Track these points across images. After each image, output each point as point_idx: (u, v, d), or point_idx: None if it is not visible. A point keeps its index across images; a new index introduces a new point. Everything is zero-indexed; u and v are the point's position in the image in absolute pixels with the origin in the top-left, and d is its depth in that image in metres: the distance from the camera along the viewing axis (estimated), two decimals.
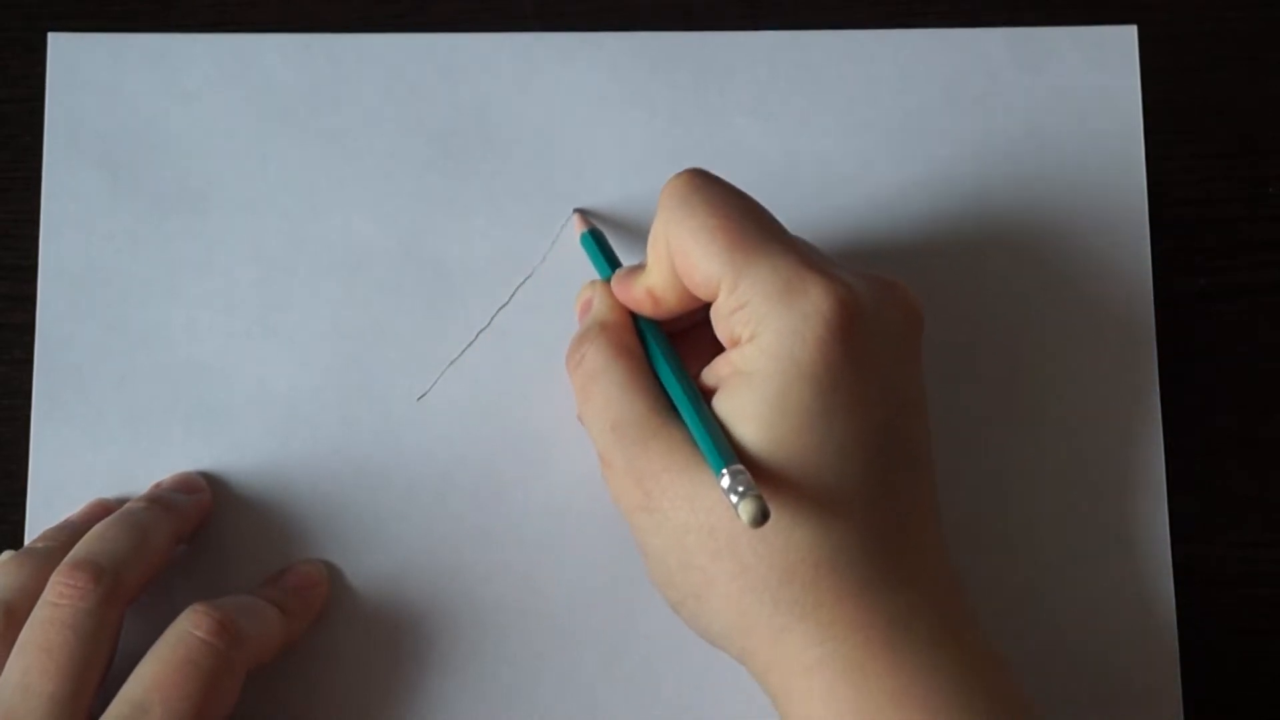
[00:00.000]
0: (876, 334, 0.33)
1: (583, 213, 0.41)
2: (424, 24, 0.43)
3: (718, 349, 0.35)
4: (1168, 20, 0.43)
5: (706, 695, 0.39)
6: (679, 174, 0.35)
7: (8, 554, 0.37)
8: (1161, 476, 0.40)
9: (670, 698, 0.39)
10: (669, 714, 0.39)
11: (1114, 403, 0.40)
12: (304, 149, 0.42)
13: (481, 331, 0.41)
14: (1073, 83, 0.42)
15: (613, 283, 0.37)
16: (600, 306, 0.37)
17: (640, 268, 0.36)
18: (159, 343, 0.41)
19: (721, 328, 0.34)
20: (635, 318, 0.37)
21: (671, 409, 0.34)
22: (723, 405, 0.33)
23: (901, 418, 0.33)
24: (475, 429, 0.40)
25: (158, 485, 0.39)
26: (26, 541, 0.39)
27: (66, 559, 0.35)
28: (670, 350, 0.36)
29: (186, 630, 0.35)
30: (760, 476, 0.32)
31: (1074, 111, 0.42)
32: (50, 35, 0.42)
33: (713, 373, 0.34)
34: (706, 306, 0.35)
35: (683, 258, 0.34)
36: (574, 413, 0.40)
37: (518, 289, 0.41)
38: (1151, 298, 0.41)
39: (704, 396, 0.34)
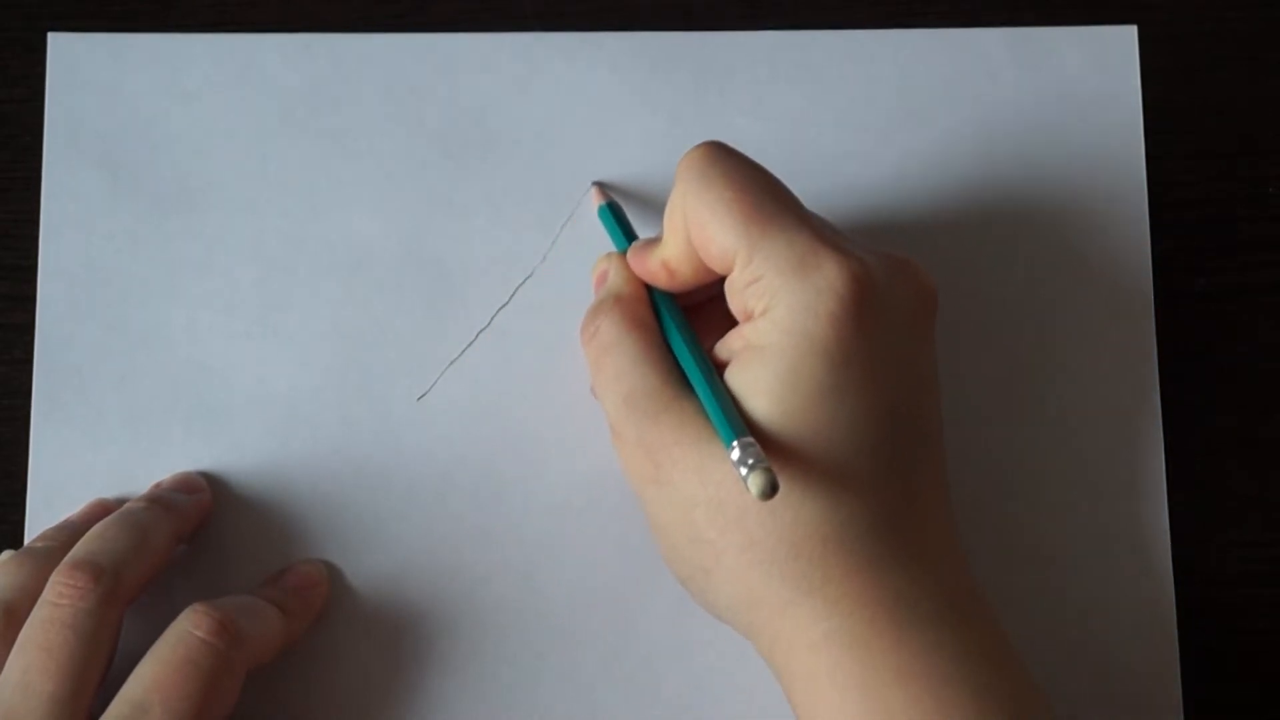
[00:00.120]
0: (889, 311, 0.33)
1: (601, 185, 0.41)
2: (424, 24, 0.43)
3: (731, 324, 0.35)
4: (1168, 20, 0.43)
5: (706, 695, 0.39)
6: (697, 146, 0.35)
7: (8, 554, 0.37)
8: (1161, 476, 0.40)
9: (670, 698, 0.39)
10: (669, 714, 0.39)
11: (1114, 403, 0.40)
12: (304, 149, 0.42)
13: (481, 331, 0.41)
14: (1073, 83, 0.42)
15: (629, 255, 0.37)
16: (615, 279, 0.37)
17: (656, 240, 0.36)
18: (159, 343, 0.41)
19: (735, 301, 0.34)
20: (650, 291, 0.37)
21: (684, 383, 0.34)
22: (735, 378, 0.33)
23: (913, 395, 0.33)
24: (475, 429, 0.40)
25: (158, 485, 0.39)
26: (26, 541, 0.39)
27: (66, 559, 0.35)
28: (684, 323, 0.36)
29: (186, 630, 0.34)
30: (770, 450, 0.32)
31: (1074, 111, 0.42)
32: (50, 35, 0.42)
33: (725, 346, 0.34)
34: (721, 281, 0.35)
35: (699, 230, 0.34)
36: (574, 412, 0.40)
37: (518, 289, 0.41)
38: (1151, 298, 0.41)
39: (716, 370, 0.34)
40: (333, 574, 0.39)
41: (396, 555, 0.39)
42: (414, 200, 0.41)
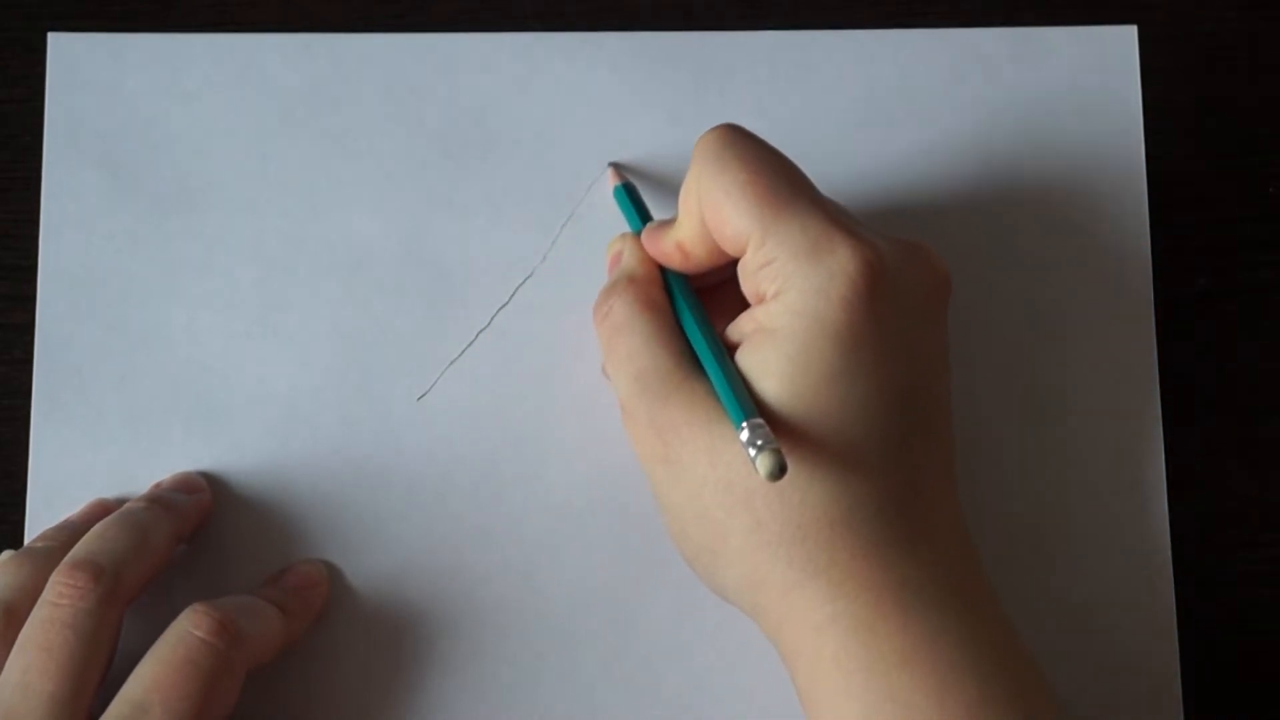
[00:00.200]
0: (901, 296, 0.33)
1: (617, 166, 0.41)
2: (424, 24, 0.43)
3: (744, 307, 0.35)
4: (1168, 20, 0.43)
5: (706, 695, 0.39)
6: (713, 129, 0.35)
7: (8, 554, 0.37)
8: (1161, 476, 0.40)
9: (670, 698, 0.39)
10: (669, 714, 0.39)
11: (1114, 403, 0.40)
12: (304, 149, 0.42)
13: (481, 331, 0.41)
14: (1073, 83, 0.42)
15: (643, 236, 0.37)
16: (629, 260, 0.37)
17: (671, 222, 0.36)
18: (159, 343, 0.41)
19: (748, 284, 0.34)
20: (664, 272, 0.37)
21: (695, 364, 0.35)
22: (746, 360, 0.33)
23: (923, 380, 0.33)
24: (475, 429, 0.40)
25: (158, 485, 0.39)
26: (26, 541, 0.39)
27: (66, 558, 0.35)
28: (697, 305, 0.36)
29: (186, 630, 0.34)
30: (780, 431, 0.32)
31: (1074, 111, 0.42)
32: (50, 35, 0.42)
33: (737, 329, 0.34)
34: (734, 263, 0.35)
35: (713, 212, 0.34)
36: (574, 413, 0.40)
37: (518, 289, 0.41)
38: (1151, 298, 0.41)
39: (728, 352, 0.34)
40: (333, 574, 0.39)
41: (396, 555, 0.39)
42: (414, 200, 0.41)
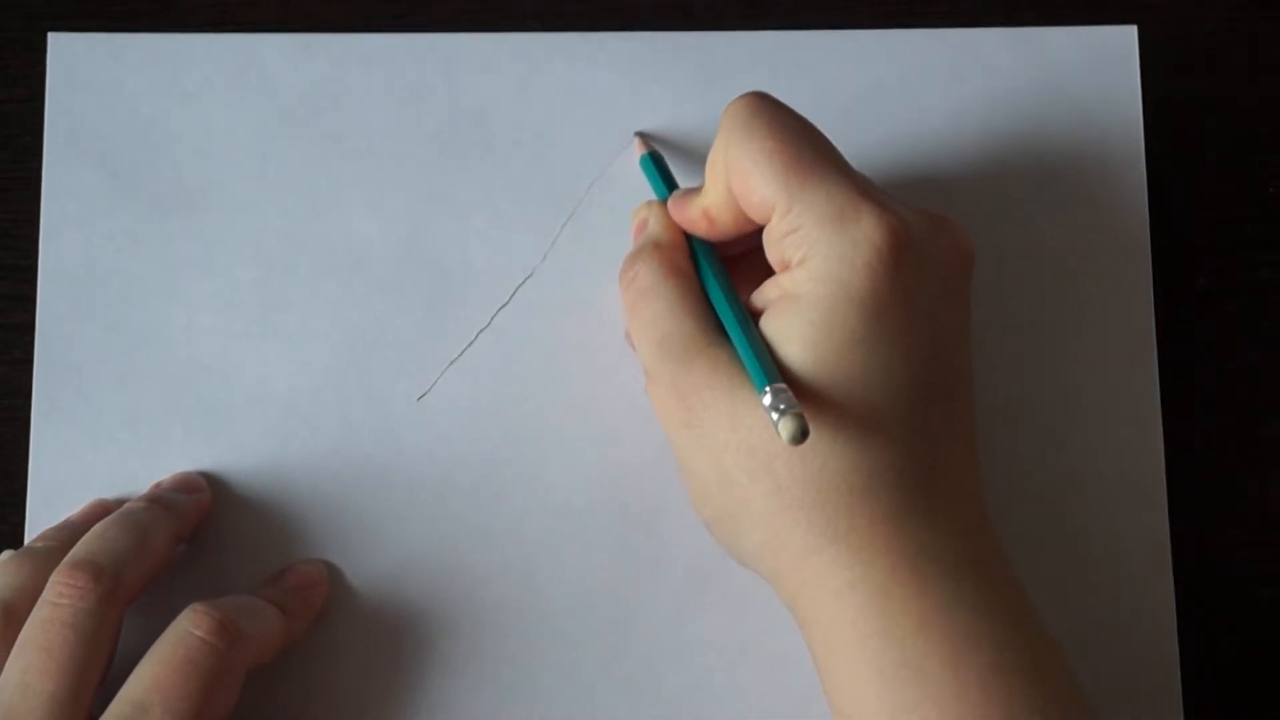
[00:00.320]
0: (925, 266, 0.33)
1: (643, 135, 0.41)
2: (424, 24, 0.43)
3: (768, 275, 0.35)
4: (1168, 20, 0.43)
5: (706, 695, 0.39)
6: (741, 96, 0.35)
7: (8, 554, 0.37)
8: (1161, 476, 0.40)
9: (670, 698, 0.39)
10: (669, 714, 0.39)
11: (1114, 403, 0.40)
12: (304, 149, 0.42)
13: (481, 331, 0.41)
14: (1073, 83, 0.42)
15: (669, 203, 0.38)
16: (655, 226, 0.37)
17: (697, 190, 0.37)
18: (159, 343, 0.41)
19: (773, 251, 0.34)
20: (689, 239, 0.37)
21: (719, 330, 0.35)
22: (769, 325, 0.33)
23: (945, 350, 0.34)
24: (475, 429, 0.40)
25: (158, 485, 0.39)
26: (26, 541, 0.39)
27: (66, 558, 0.35)
28: (722, 272, 0.36)
29: (186, 630, 0.34)
30: (802, 396, 0.32)
31: (1074, 111, 0.42)
32: (50, 35, 0.42)
33: (761, 295, 0.35)
34: (759, 232, 0.35)
35: (740, 179, 0.34)
36: (574, 412, 0.40)
37: (518, 289, 0.41)
38: (1151, 298, 0.41)
39: (752, 319, 0.34)
40: (333, 574, 0.39)
41: (396, 555, 0.39)
42: (414, 200, 0.41)
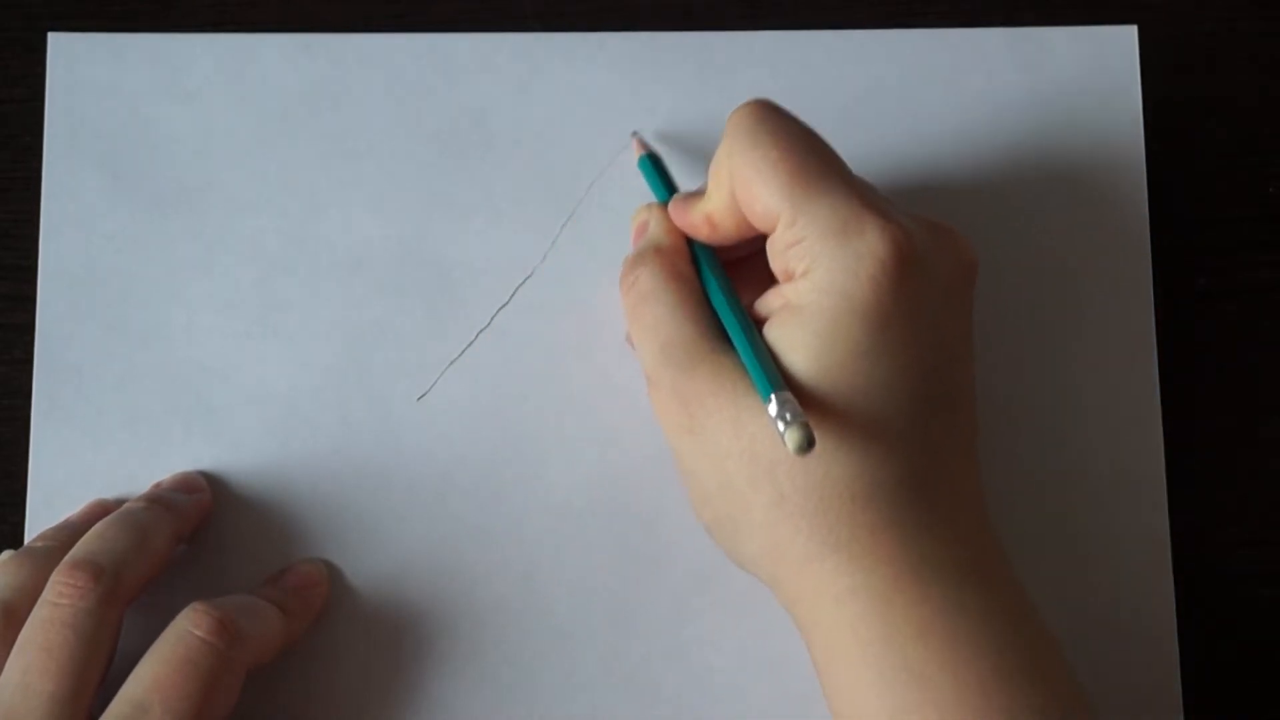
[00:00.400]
0: (929, 279, 0.33)
1: (640, 137, 0.41)
2: (424, 24, 0.43)
3: (770, 282, 0.35)
4: (1168, 20, 0.43)
5: (706, 695, 0.39)
6: (746, 103, 0.35)
7: (8, 554, 0.37)
8: (1161, 476, 0.40)
9: (670, 698, 0.39)
10: (669, 714, 0.39)
11: (1114, 403, 0.40)
12: (304, 149, 0.42)
13: (481, 331, 0.41)
14: (1073, 83, 0.42)
15: (670, 207, 0.37)
16: (656, 230, 0.37)
17: (699, 193, 0.36)
18: (159, 343, 0.41)
19: (777, 261, 0.34)
20: (690, 243, 0.37)
21: (721, 336, 0.35)
22: (773, 334, 0.33)
23: (947, 362, 0.34)
24: (475, 429, 0.40)
25: (157, 485, 0.39)
26: (26, 541, 0.39)
27: (66, 558, 0.35)
28: (724, 277, 0.36)
29: (186, 629, 0.34)
30: (806, 406, 0.32)
31: (1074, 111, 0.42)
32: (50, 35, 0.42)
33: (764, 304, 0.34)
34: (762, 238, 0.35)
35: (744, 187, 0.34)
36: (574, 412, 0.40)
37: (518, 289, 0.41)
38: (1151, 298, 0.41)
39: (755, 326, 0.34)
40: (333, 574, 0.39)
41: (396, 555, 0.39)
42: (414, 200, 0.41)
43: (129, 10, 0.43)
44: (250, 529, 0.40)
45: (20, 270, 0.42)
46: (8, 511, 0.40)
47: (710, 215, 0.36)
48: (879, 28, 0.43)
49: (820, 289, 0.32)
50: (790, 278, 0.34)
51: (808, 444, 0.30)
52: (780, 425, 0.31)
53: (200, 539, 0.39)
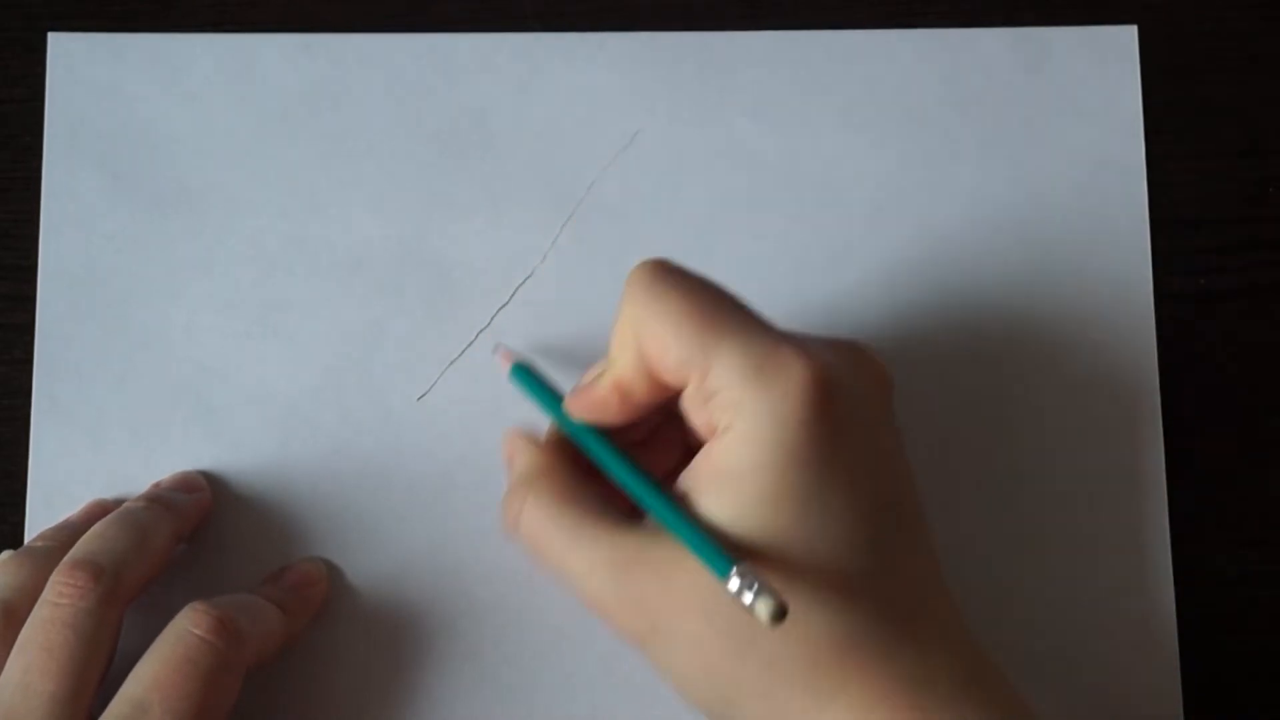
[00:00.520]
0: (855, 404, 0.32)
1: (505, 347, 0.39)
2: (424, 24, 0.43)
3: (677, 455, 0.34)
4: (1168, 20, 0.43)
5: None
6: (642, 262, 0.33)
7: (7, 554, 0.37)
8: (1161, 476, 0.40)
9: (670, 697, 0.39)
10: (669, 714, 0.39)
11: (1114, 402, 0.40)
12: (304, 149, 0.42)
13: (482, 331, 0.41)
14: (1073, 83, 0.42)
15: (569, 401, 0.35)
16: (524, 457, 0.36)
17: (598, 374, 0.35)
18: (159, 343, 0.41)
19: (698, 416, 0.33)
20: (587, 439, 0.35)
21: (645, 526, 0.33)
22: (712, 505, 0.32)
23: (892, 481, 0.33)
24: (475, 429, 0.40)
25: (157, 485, 0.39)
26: (26, 542, 0.39)
27: (67, 558, 0.35)
28: (634, 461, 0.34)
29: (186, 629, 0.34)
30: (768, 569, 0.31)
31: (1074, 111, 0.42)
32: (50, 35, 0.42)
33: (692, 474, 0.33)
34: (661, 410, 0.34)
35: (652, 340, 0.32)
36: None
37: (518, 289, 0.41)
38: (1151, 298, 0.41)
39: (684, 500, 0.33)
40: (333, 573, 0.39)
41: (396, 555, 0.39)
42: (414, 200, 0.41)
43: (129, 10, 0.43)
44: (250, 529, 0.40)
45: (20, 270, 0.42)
46: (8, 511, 0.40)
47: (618, 382, 0.34)
48: (879, 28, 0.43)
49: (751, 442, 0.31)
50: (713, 430, 0.32)
51: (781, 613, 0.29)
52: (747, 599, 0.29)
53: (200, 539, 0.39)
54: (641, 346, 0.33)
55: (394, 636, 0.39)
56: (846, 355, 0.33)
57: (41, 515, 0.39)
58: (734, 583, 0.29)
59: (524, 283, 0.41)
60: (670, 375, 0.33)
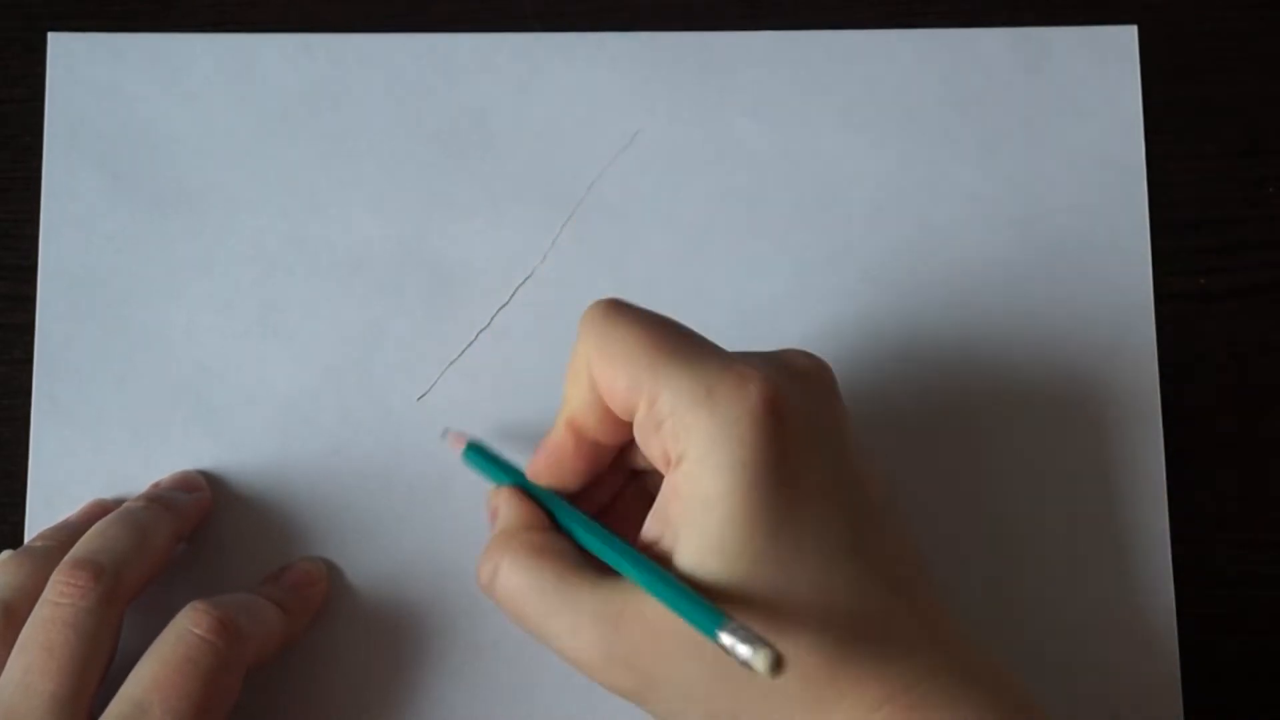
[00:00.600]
0: (809, 415, 0.32)
1: (453, 432, 0.38)
2: (424, 24, 0.43)
3: (639, 516, 0.34)
4: (1168, 20, 0.43)
5: None
6: (596, 302, 0.34)
7: (7, 554, 0.37)
8: (1161, 476, 0.40)
9: None
10: None
11: (1114, 403, 0.40)
12: (304, 149, 0.42)
13: (481, 331, 0.41)
14: (1073, 83, 0.42)
15: (530, 465, 0.36)
16: (505, 514, 0.36)
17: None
18: (159, 343, 0.41)
19: (652, 446, 0.33)
20: (554, 509, 0.35)
21: (622, 582, 0.32)
22: (685, 540, 0.32)
23: (859, 484, 0.33)
24: (475, 429, 0.40)
25: (157, 484, 0.39)
26: (26, 541, 0.39)
27: (67, 557, 0.35)
28: (601, 525, 0.34)
29: (186, 628, 0.34)
30: (751, 610, 0.31)
31: (1074, 111, 0.42)
32: (50, 35, 0.42)
33: (660, 513, 0.33)
34: (623, 471, 0.34)
35: (604, 370, 0.33)
36: None
37: (518, 289, 0.41)
38: (1151, 298, 0.41)
39: (657, 552, 0.32)
40: (333, 573, 0.39)
41: (396, 555, 0.39)
42: (414, 200, 0.41)
43: (129, 10, 0.43)
44: (250, 529, 0.40)
45: (20, 270, 0.42)
46: (8, 511, 0.40)
47: (572, 419, 0.34)
48: (879, 28, 0.43)
49: (711, 467, 0.31)
50: (668, 461, 0.32)
51: (777, 664, 0.28)
52: (742, 654, 0.28)
53: (200, 539, 0.39)
54: (594, 377, 0.33)
55: (394, 636, 0.39)
56: (784, 365, 0.33)
57: (41, 515, 0.39)
58: (726, 639, 0.29)
59: (524, 283, 0.41)
60: (621, 404, 0.33)
